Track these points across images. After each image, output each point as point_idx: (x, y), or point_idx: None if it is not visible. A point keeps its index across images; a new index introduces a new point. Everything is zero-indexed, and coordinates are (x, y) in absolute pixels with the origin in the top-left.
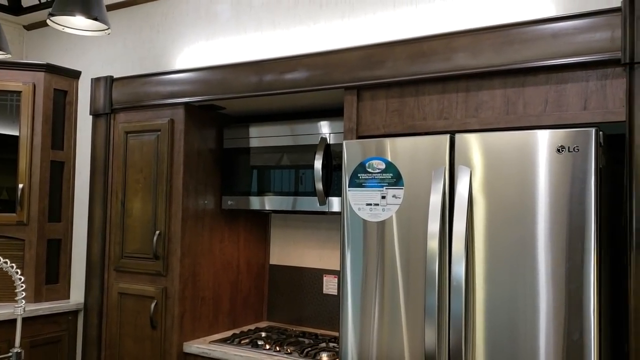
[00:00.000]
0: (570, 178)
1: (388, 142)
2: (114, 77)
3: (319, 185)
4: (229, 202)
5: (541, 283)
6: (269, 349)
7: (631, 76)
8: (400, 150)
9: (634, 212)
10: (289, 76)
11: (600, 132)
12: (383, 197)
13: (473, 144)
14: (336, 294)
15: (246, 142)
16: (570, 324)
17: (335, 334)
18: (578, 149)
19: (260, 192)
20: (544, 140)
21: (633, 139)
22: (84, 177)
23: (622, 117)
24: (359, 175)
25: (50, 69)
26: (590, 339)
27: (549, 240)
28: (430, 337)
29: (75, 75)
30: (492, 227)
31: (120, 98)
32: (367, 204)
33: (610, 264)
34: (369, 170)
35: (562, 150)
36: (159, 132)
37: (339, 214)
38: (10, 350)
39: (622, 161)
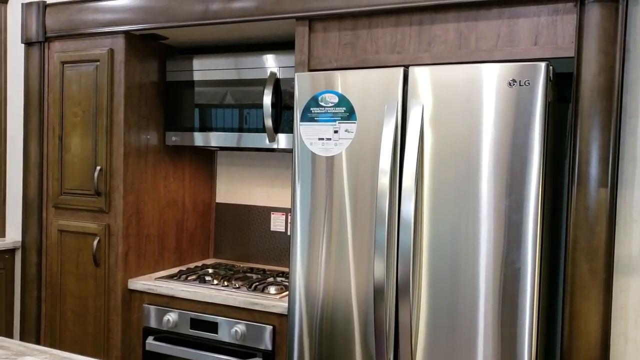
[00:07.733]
0: (519, 112)
1: (339, 75)
2: (47, 2)
3: (269, 122)
4: (173, 138)
5: (483, 215)
6: (217, 284)
7: (581, 12)
8: (352, 83)
9: (577, 148)
10: (238, 4)
11: (551, 67)
12: (335, 132)
13: (425, 78)
14: (284, 230)
15: (190, 75)
16: (510, 253)
17: (283, 269)
18: (529, 83)
19: (205, 128)
20: (494, 74)
21: (580, 74)
22: (17, 110)
23: (571, 53)
24: (311, 109)
25: None
26: (527, 267)
27: (493, 173)
28: (379, 271)
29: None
30: (439, 161)
31: (54, 26)
32: (319, 139)
33: (552, 199)
34: (322, 104)
35: (513, 84)
36: (98, 63)
37: (287, 151)
38: None
39: (566, 99)
